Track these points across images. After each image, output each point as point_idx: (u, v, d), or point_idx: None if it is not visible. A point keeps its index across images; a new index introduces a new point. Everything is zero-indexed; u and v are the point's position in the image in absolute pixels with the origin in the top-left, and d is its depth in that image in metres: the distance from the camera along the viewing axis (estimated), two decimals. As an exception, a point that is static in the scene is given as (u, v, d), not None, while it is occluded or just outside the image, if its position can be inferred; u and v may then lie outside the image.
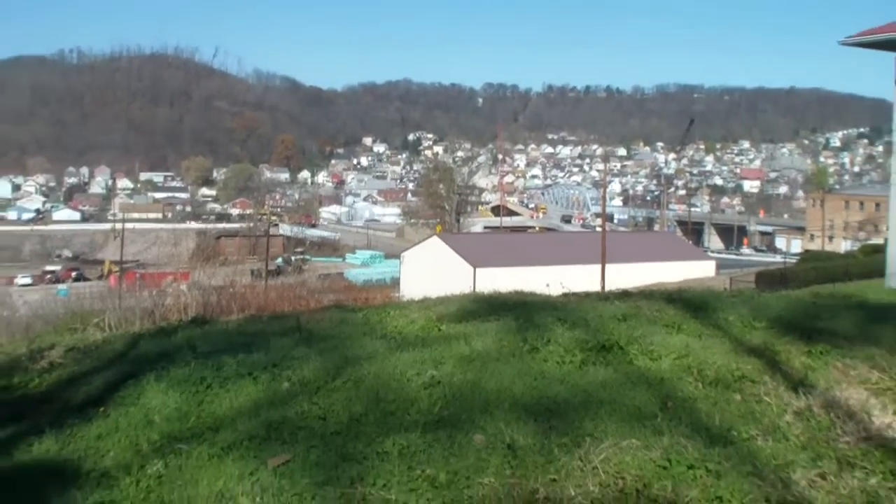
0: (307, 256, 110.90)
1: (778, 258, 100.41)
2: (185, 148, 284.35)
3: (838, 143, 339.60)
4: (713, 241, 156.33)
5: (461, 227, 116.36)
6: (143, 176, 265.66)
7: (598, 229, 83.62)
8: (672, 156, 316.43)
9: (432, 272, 60.86)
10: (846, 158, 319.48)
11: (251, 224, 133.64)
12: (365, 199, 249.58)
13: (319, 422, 6.89)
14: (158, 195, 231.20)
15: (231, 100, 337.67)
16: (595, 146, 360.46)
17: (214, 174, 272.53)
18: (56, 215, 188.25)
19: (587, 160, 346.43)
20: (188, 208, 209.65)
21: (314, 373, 8.22)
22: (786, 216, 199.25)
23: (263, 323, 12.57)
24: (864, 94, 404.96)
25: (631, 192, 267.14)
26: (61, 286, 70.51)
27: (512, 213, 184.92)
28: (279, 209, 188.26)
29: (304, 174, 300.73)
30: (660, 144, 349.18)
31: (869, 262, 49.85)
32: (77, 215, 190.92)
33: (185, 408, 7.51)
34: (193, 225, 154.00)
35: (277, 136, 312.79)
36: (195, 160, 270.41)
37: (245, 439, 6.54)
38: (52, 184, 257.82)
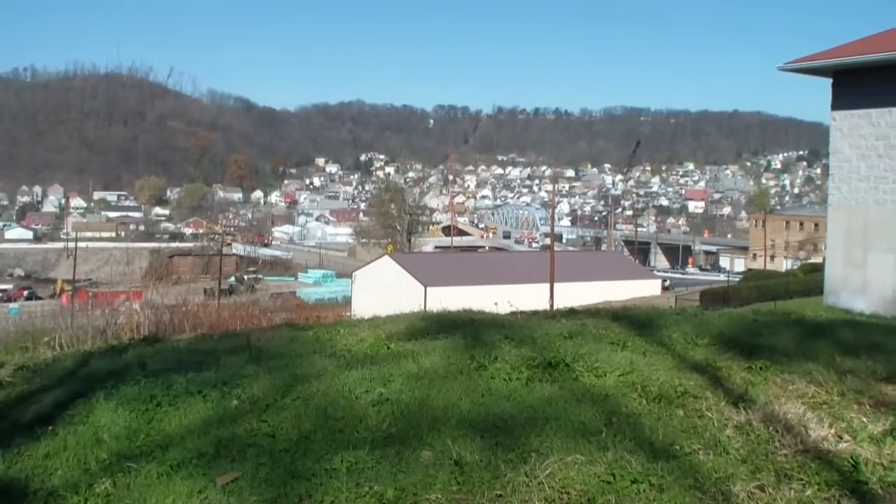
0: (260, 275, 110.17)
1: (722, 277, 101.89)
2: (139, 167, 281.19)
3: (779, 165, 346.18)
4: (659, 260, 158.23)
5: (412, 247, 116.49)
6: (97, 195, 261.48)
7: (547, 249, 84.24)
8: (619, 177, 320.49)
9: (384, 291, 60.79)
10: (786, 180, 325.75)
11: (204, 243, 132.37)
12: (317, 219, 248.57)
13: (268, 439, 6.82)
14: (112, 214, 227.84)
15: (185, 119, 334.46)
16: (544, 167, 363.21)
17: (168, 193, 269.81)
18: (8, 234, 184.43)
19: (536, 181, 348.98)
20: (141, 227, 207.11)
21: (264, 391, 8.14)
22: (729, 236, 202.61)
23: (214, 341, 12.44)
24: (803, 117, 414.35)
25: (579, 212, 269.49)
26: (13, 305, 68.97)
27: (462, 232, 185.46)
28: (232, 228, 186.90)
29: (258, 194, 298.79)
30: (607, 166, 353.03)
31: (808, 280, 50.88)
32: (29, 234, 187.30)
33: (135, 426, 7.38)
34: (147, 244, 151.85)
35: (231, 155, 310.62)
36: (149, 179, 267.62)
37: (194, 457, 6.45)
38: (4, 202, 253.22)
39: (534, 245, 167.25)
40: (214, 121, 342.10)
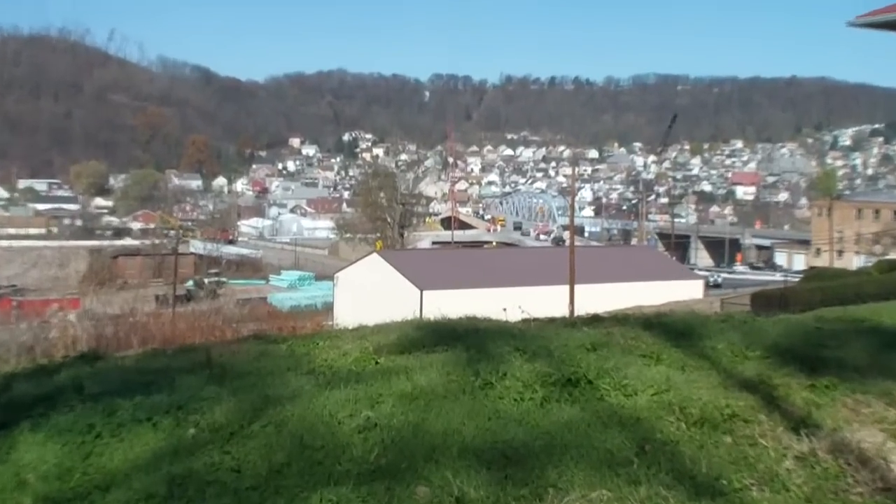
0: (223, 279, 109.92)
1: (777, 276, 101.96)
2: (75, 150, 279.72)
3: (848, 142, 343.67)
4: (701, 256, 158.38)
5: (405, 243, 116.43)
6: (22, 183, 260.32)
7: (566, 244, 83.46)
8: (652, 158, 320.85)
9: (371, 296, 60.71)
10: (858, 159, 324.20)
11: (156, 241, 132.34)
12: (292, 211, 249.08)
13: (232, 475, 6.78)
14: (41, 206, 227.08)
15: (131, 92, 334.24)
16: (562, 147, 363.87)
17: (111, 181, 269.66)
18: None
19: (552, 164, 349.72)
20: (78, 222, 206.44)
21: (227, 416, 8.11)
22: (786, 227, 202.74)
23: (168, 358, 12.41)
24: (877, 83, 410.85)
25: (604, 200, 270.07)
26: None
27: (465, 225, 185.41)
28: (190, 223, 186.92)
29: (220, 181, 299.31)
30: (637, 145, 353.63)
31: (886, 280, 50.29)
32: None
33: (68, 463, 7.33)
34: (85, 242, 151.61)
35: (187, 136, 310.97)
36: (87, 165, 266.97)
37: (141, 499, 6.41)
38: None
39: (546, 238, 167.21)
40: (167, 94, 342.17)
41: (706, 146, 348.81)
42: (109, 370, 11.47)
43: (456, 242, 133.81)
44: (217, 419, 8.06)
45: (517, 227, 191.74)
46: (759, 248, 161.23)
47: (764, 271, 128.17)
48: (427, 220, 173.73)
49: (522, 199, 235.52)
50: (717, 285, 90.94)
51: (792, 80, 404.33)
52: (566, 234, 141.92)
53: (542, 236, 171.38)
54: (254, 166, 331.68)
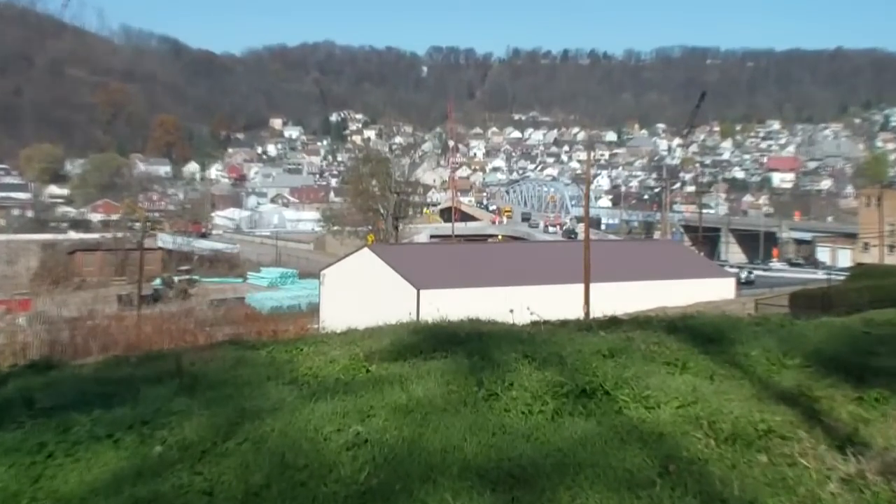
0: (195, 277, 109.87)
1: (819, 274, 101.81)
2: (26, 132, 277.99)
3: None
4: (732, 251, 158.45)
5: (400, 237, 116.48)
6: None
7: (579, 237, 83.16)
8: (677, 141, 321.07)
9: (362, 295, 60.77)
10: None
11: (118, 234, 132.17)
12: (273, 201, 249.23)
13: (204, 498, 6.77)
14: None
15: (90, 66, 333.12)
16: (576, 129, 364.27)
17: (67, 167, 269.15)
18: None
19: (565, 148, 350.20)
20: (30, 213, 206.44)
21: (198, 432, 8.09)
22: (830, 219, 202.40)
23: (132, 366, 12.40)
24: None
25: (623, 189, 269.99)
26: None
27: (467, 217, 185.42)
28: (157, 214, 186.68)
29: (192, 167, 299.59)
30: (661, 126, 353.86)
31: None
32: None
33: (15, 486, 7.30)
34: (37, 235, 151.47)
35: (154, 115, 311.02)
36: (39, 148, 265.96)
37: (101, 525, 6.40)
38: None
39: (555, 231, 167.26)
40: (131, 68, 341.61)
41: (738, 128, 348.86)
42: (64, 381, 11.46)
43: (457, 236, 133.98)
44: (187, 435, 8.04)
45: (525, 219, 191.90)
46: (799, 242, 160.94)
47: (804, 268, 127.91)
48: (425, 210, 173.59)
49: (531, 187, 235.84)
50: (748, 282, 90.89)
51: (837, 53, 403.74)
52: (580, 227, 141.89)
53: (550, 228, 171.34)
54: (230, 150, 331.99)
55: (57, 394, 10.30)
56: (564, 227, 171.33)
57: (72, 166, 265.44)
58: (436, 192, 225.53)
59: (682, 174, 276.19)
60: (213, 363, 11.55)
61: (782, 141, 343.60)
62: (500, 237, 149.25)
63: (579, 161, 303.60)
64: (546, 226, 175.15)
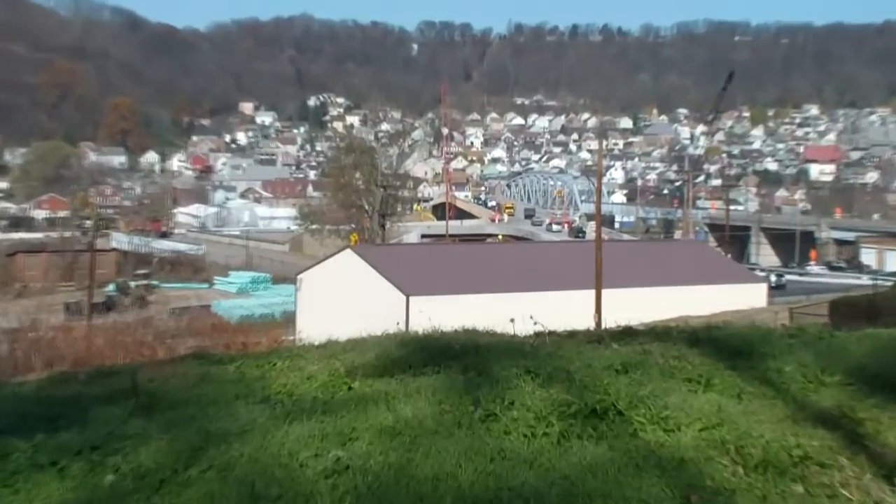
0: (154, 282, 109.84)
1: (863, 279, 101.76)
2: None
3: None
4: (764, 253, 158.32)
5: (387, 237, 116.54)
6: None
7: (590, 237, 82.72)
8: (701, 129, 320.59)
9: (344, 303, 60.78)
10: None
11: (66, 233, 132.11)
12: (243, 195, 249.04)
13: (163, 532, 6.77)
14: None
15: (32, 41, 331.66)
16: (586, 115, 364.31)
17: (6, 157, 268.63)
18: None
19: (574, 136, 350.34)
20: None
21: (157, 458, 8.08)
22: (876, 217, 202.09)
23: (80, 384, 12.38)
24: None
25: (640, 182, 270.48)
26: None
27: (463, 214, 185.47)
28: (111, 210, 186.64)
29: (151, 157, 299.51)
30: (682, 112, 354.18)
31: None
32: None
33: (-57, 523, 7.31)
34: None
35: (108, 99, 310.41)
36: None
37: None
38: None
39: (560, 229, 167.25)
40: (80, 44, 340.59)
41: (771, 113, 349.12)
42: (2, 401, 11.44)
43: (451, 236, 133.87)
44: (144, 462, 8.03)
45: (529, 216, 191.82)
46: (840, 243, 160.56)
47: (846, 273, 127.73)
48: (415, 207, 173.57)
49: (536, 180, 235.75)
50: (778, 287, 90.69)
51: (884, 27, 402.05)
52: (591, 226, 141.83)
53: (555, 226, 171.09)
54: (194, 138, 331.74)
55: (-6, 415, 10.29)
56: (573, 225, 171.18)
57: (12, 156, 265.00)
58: (428, 186, 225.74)
59: (706, 166, 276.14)
60: (174, 380, 11.54)
61: (821, 128, 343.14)
62: (500, 237, 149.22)
63: (590, 151, 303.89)
64: (551, 224, 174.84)
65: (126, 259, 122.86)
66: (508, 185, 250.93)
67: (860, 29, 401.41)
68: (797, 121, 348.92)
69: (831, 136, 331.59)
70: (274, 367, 11.90)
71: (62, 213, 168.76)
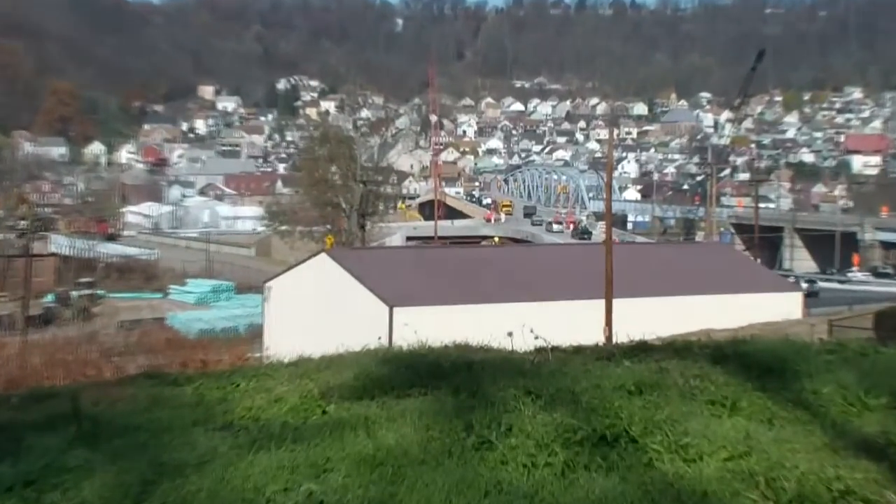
0: (100, 291, 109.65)
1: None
2: None
3: None
4: (799, 257, 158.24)
5: (368, 239, 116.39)
6: None
7: (599, 239, 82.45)
8: (726, 115, 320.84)
9: (318, 315, 60.79)
10: None
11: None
12: (203, 192, 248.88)
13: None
14: None
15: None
16: (594, 100, 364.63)
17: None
18: None
19: (581, 124, 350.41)
20: None
21: (102, 493, 8.06)
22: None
23: (14, 408, 12.35)
24: None
25: (656, 176, 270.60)
26: None
27: (454, 213, 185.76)
28: (50, 209, 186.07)
29: (96, 148, 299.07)
30: (705, 96, 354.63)
31: None
32: None
33: None
34: None
35: (46, 79, 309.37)
36: None
37: None
38: None
39: (561, 229, 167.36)
40: (15, 19, 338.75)
41: (807, 97, 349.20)
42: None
43: (441, 238, 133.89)
44: (87, 499, 8.01)
45: (528, 215, 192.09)
46: (888, 246, 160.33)
47: (894, 280, 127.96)
48: (400, 205, 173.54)
49: (537, 174, 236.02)
50: (811, 294, 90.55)
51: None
52: (600, 226, 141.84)
53: (555, 226, 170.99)
54: (146, 127, 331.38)
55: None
56: (580, 225, 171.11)
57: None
58: (414, 181, 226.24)
59: (732, 158, 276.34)
60: (123, 404, 11.51)
61: (865, 114, 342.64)
62: (496, 239, 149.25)
63: (599, 141, 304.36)
64: (552, 224, 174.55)
65: (67, 265, 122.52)
66: (506, 180, 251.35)
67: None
68: (837, 106, 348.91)
69: (876, 124, 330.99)
70: (237, 389, 11.87)
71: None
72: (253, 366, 18.16)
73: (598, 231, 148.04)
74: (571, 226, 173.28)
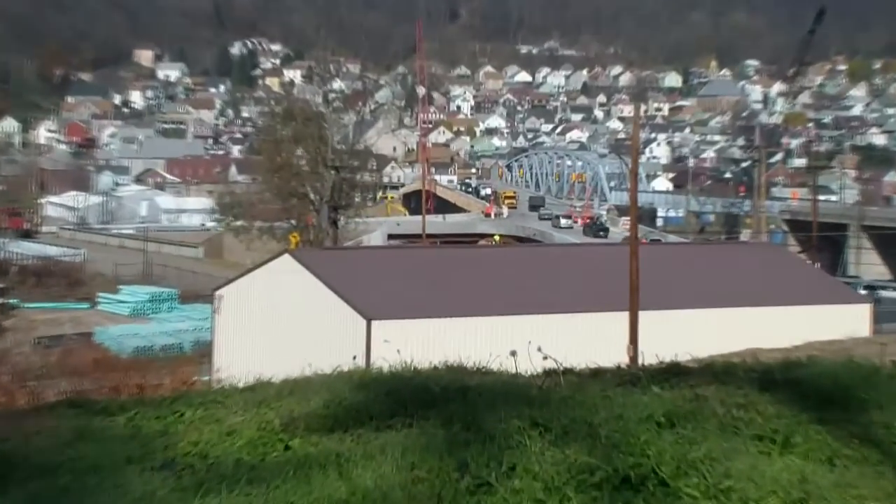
0: (13, 300, 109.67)
1: None
2: None
3: None
4: (867, 260, 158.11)
5: (341, 237, 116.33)
6: None
7: (620, 236, 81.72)
8: (778, 88, 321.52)
9: (280, 329, 60.83)
10: None
11: None
12: (140, 180, 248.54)
13: None
14: None
15: None
16: (617, 69, 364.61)
17: None
18: None
19: (600, 98, 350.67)
20: None
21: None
22: None
23: None
24: None
25: (692, 162, 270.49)
26: None
27: (446, 206, 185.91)
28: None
29: (8, 125, 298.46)
30: (751, 64, 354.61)
31: None
32: None
33: None
34: None
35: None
36: None
37: None
38: None
39: (569, 223, 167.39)
40: None
41: (878, 65, 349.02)
42: None
43: (430, 236, 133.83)
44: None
45: (535, 207, 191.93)
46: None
47: None
48: (381, 195, 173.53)
49: (547, 160, 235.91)
50: (877, 300, 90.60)
51: None
52: (623, 222, 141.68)
53: (563, 221, 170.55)
54: (70, 100, 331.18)
55: None
56: (598, 220, 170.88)
57: None
58: (397, 167, 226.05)
59: (785, 139, 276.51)
60: (40, 438, 11.50)
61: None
62: (496, 238, 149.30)
63: (622, 119, 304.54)
64: (559, 218, 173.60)
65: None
66: (509, 167, 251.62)
67: None
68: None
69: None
70: (181, 419, 11.85)
71: None
72: (200, 391, 18.17)
73: (621, 228, 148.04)
74: (582, 221, 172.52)
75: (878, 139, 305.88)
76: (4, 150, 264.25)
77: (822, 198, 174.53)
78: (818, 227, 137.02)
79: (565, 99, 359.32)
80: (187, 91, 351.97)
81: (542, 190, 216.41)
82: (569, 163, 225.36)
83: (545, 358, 15.45)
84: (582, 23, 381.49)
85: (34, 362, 65.95)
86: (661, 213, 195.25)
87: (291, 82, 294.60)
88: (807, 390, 11.70)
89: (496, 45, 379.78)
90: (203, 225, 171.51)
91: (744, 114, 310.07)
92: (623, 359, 33.59)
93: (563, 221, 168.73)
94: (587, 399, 11.64)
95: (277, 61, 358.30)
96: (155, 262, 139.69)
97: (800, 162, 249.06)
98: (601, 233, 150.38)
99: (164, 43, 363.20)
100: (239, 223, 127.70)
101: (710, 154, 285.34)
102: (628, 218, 73.54)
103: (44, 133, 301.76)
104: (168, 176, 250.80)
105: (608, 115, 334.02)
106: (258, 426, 11.08)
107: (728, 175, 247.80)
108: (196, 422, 11.65)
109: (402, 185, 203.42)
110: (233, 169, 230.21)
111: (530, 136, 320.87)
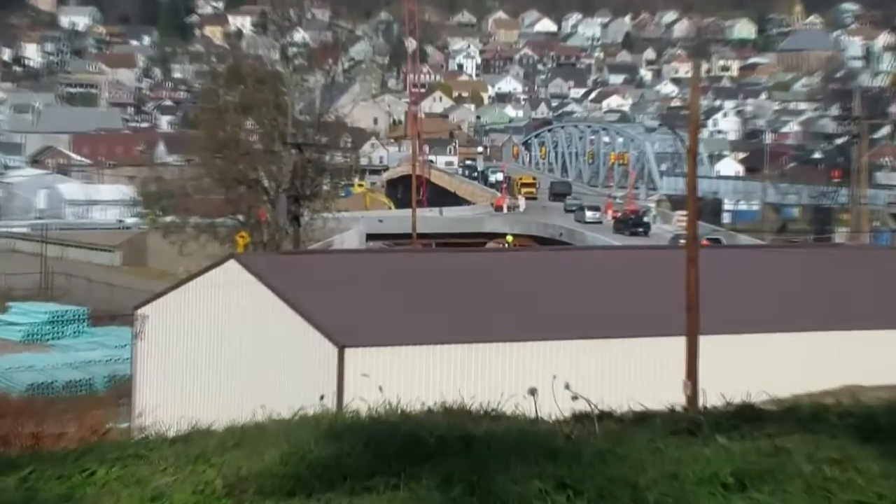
0: None
1: None
2: None
3: None
4: None
5: (305, 238, 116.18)
6: None
7: (667, 235, 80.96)
8: (883, 39, 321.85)
9: (223, 358, 60.84)
10: None
11: None
12: (37, 160, 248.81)
13: None
14: None
15: None
16: (671, 15, 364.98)
17: None
18: None
19: (647, 53, 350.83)
20: None
21: None
22: None
23: None
24: None
25: (770, 138, 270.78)
26: None
27: (443, 195, 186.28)
28: None
29: None
30: (849, 9, 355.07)
31: None
32: None
33: None
34: None
35: None
36: None
37: None
38: None
39: (595, 217, 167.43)
40: None
41: None
42: None
43: (422, 237, 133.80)
44: None
45: (558, 196, 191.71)
46: None
47: None
48: (357, 184, 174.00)
49: (577, 135, 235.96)
50: None
51: None
52: (676, 217, 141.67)
53: (588, 214, 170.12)
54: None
55: None
56: (641, 212, 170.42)
57: None
58: (380, 144, 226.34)
59: (894, 108, 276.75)
60: None
61: None
62: (509, 239, 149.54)
63: (676, 81, 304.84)
64: (584, 211, 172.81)
65: None
66: (527, 144, 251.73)
67: None
68: None
69: None
70: (91, 480, 11.86)
71: None
72: (117, 442, 18.22)
73: (674, 225, 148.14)
74: (613, 214, 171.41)
75: None
76: None
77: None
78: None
79: (601, 55, 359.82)
80: (100, 44, 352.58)
81: (572, 175, 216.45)
82: (606, 139, 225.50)
83: (574, 398, 15.51)
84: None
85: None
86: (728, 205, 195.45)
87: (238, 32, 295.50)
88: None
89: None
90: (121, 222, 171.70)
91: (838, 74, 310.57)
92: (678, 399, 33.71)
93: (588, 214, 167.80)
94: (630, 453, 11.66)
95: (220, 4, 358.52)
96: (56, 270, 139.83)
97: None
98: (639, 230, 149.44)
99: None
100: (168, 219, 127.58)
101: (793, 128, 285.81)
102: (684, 212, 73.78)
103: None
104: (74, 156, 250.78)
105: (658, 76, 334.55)
106: (193, 489, 11.07)
107: (818, 155, 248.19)
108: (111, 483, 11.63)
109: (386, 169, 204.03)
110: (160, 147, 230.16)
111: (555, 103, 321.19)
